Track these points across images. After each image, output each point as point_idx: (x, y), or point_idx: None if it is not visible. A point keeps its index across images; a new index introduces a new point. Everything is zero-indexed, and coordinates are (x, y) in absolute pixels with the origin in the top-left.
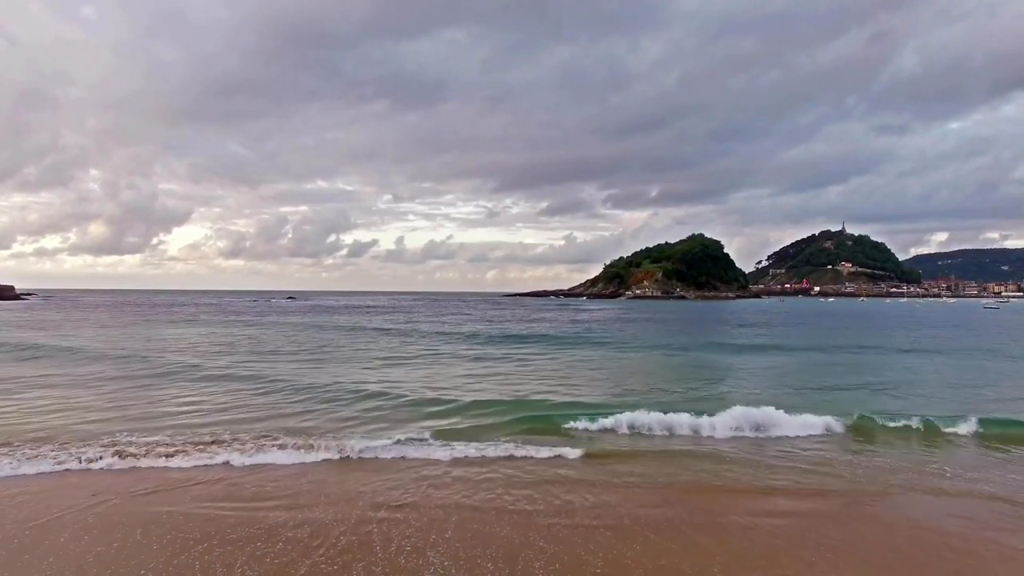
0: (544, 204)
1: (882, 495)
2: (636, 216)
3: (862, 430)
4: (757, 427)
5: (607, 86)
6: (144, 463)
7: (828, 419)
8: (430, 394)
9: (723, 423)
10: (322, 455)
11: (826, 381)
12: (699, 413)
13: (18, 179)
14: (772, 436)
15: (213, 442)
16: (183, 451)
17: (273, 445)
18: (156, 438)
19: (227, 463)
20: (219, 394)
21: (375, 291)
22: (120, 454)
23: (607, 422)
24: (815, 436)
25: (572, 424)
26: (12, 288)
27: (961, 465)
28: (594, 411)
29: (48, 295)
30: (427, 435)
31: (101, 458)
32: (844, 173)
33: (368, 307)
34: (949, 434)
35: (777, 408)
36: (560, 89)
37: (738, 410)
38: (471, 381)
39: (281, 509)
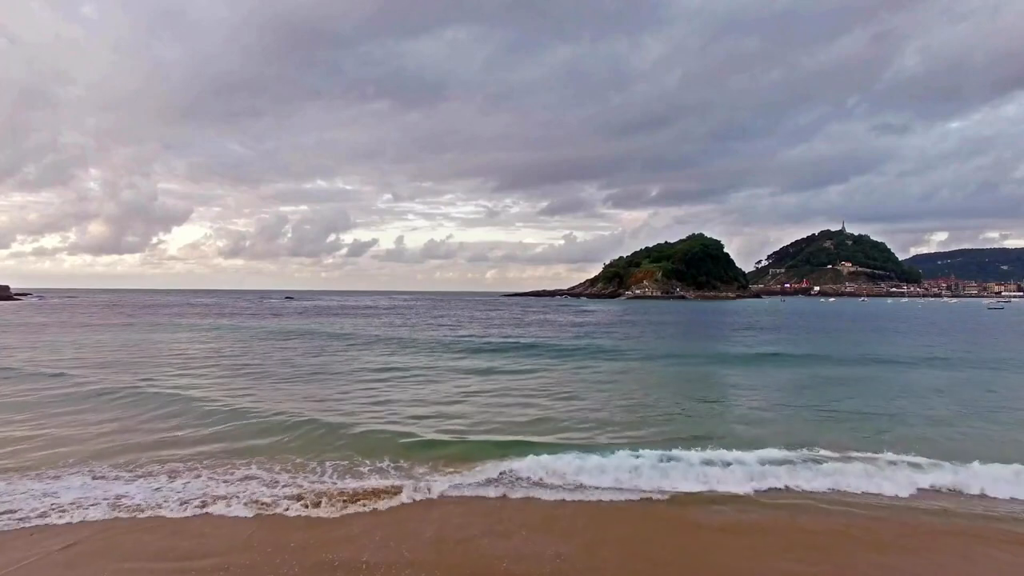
0: (544, 204)
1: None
2: (636, 216)
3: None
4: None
5: (609, 85)
6: (52, 518)
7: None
8: (412, 427)
9: (741, 472)
10: (281, 503)
11: (858, 405)
12: (711, 458)
13: (18, 178)
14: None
15: (146, 478)
16: (108, 497)
17: (214, 492)
18: (65, 483)
19: (159, 514)
20: (158, 420)
21: (374, 291)
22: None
23: (610, 463)
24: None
25: (571, 472)
26: (7, 288)
27: None
28: (598, 450)
29: (41, 295)
30: (397, 479)
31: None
32: (845, 172)
33: (365, 308)
34: None
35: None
36: (561, 88)
37: (761, 454)
38: (461, 404)
39: (222, 569)
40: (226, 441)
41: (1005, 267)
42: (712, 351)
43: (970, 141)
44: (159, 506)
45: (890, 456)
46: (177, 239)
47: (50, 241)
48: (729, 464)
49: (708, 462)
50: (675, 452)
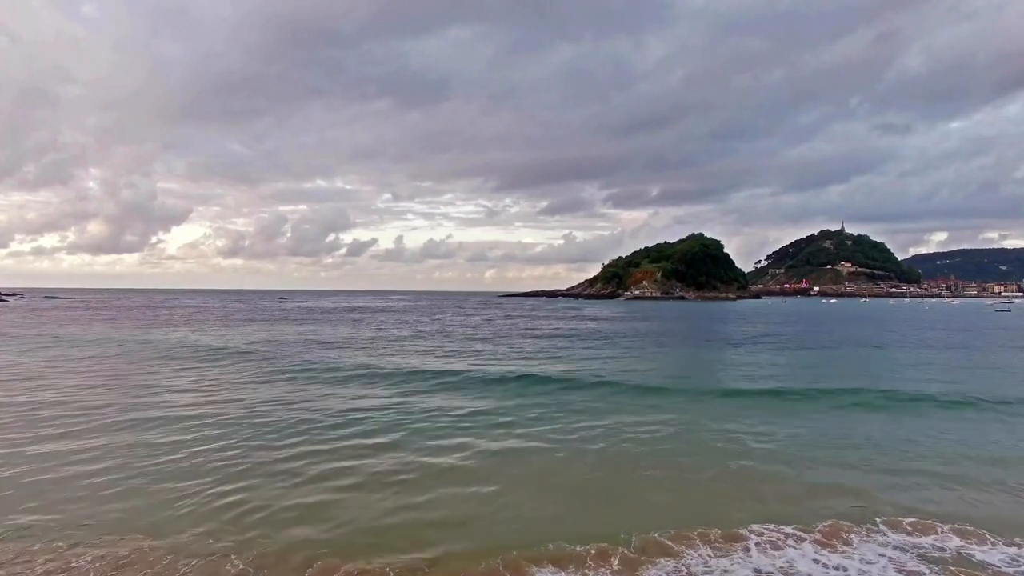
0: (544, 203)
1: None
2: (635, 215)
3: None
4: None
5: (611, 85)
6: None
7: None
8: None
9: None
10: None
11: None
12: None
13: (17, 178)
14: None
15: None
16: None
17: None
18: None
19: None
20: None
21: (372, 291)
22: None
23: None
24: None
25: None
26: None
27: None
28: None
29: (19, 295)
30: None
31: None
32: (846, 172)
33: (358, 310)
34: None
35: None
36: (564, 87)
37: None
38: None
39: None
40: None
41: (1004, 267)
42: (739, 383)
43: (972, 141)
44: None
45: None
46: (176, 239)
47: (49, 240)
48: None
49: None
50: None
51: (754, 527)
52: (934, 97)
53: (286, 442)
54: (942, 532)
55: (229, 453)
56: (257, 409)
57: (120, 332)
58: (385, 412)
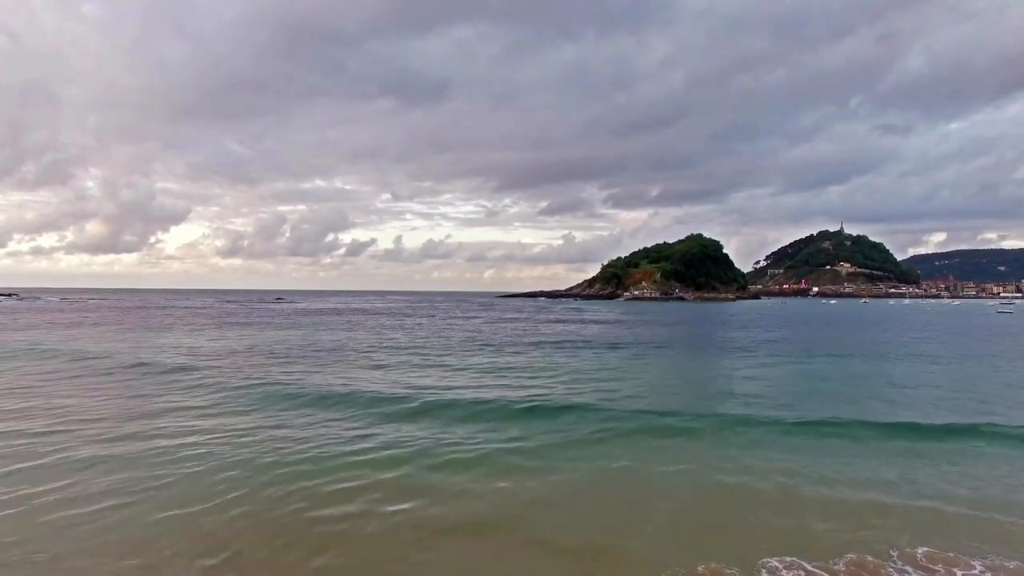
0: (544, 204)
1: None
2: (635, 216)
3: None
4: None
5: (613, 85)
6: None
7: None
8: None
9: None
10: None
11: None
12: None
13: (16, 177)
14: None
15: None
16: None
17: None
18: None
19: None
20: None
21: (371, 291)
22: None
23: None
24: None
25: None
26: None
27: None
28: None
29: (15, 295)
30: None
31: None
32: (846, 173)
33: (355, 312)
34: None
35: None
36: (566, 88)
37: None
38: None
39: None
40: None
41: (1002, 268)
42: (750, 408)
43: (972, 142)
44: None
45: None
46: (175, 238)
47: (47, 240)
48: None
49: None
50: None
51: (771, 563)
52: (935, 98)
53: (267, 476)
54: (980, 569)
55: (203, 497)
56: (233, 441)
57: (103, 338)
58: (377, 444)
